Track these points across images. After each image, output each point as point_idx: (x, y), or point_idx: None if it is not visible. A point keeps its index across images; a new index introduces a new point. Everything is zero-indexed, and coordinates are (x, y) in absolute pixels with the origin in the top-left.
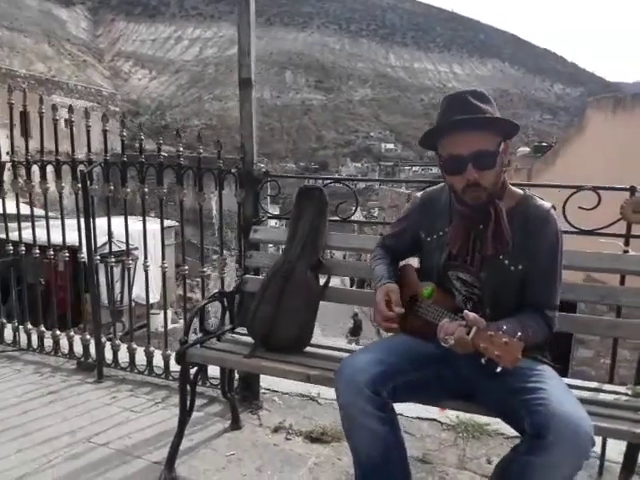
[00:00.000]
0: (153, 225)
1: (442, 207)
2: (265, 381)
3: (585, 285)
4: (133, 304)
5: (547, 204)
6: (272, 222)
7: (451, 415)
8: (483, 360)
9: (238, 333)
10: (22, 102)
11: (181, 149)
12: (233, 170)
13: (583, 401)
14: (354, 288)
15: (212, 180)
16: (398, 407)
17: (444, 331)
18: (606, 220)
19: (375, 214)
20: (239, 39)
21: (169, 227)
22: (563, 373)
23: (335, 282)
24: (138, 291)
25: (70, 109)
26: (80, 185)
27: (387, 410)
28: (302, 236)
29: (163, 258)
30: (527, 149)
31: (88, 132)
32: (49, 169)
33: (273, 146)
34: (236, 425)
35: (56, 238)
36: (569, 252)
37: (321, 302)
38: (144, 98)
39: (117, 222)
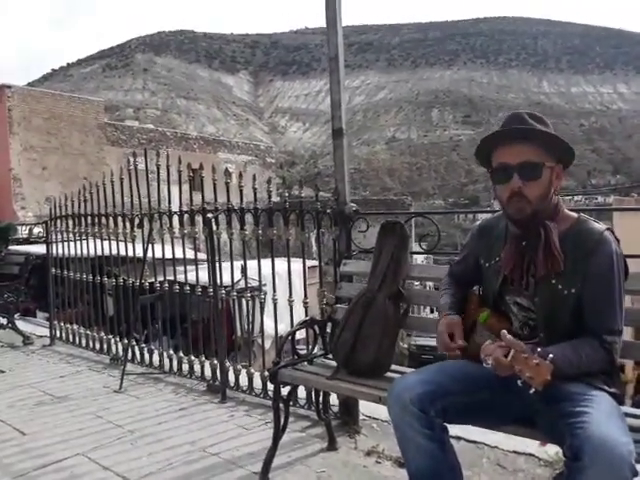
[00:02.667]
0: (297, 265)
1: (499, 233)
2: (366, 408)
3: None
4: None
5: (602, 226)
6: None
7: (551, 451)
8: (519, 382)
9: (328, 358)
10: (191, 162)
11: (323, 193)
12: (328, 210)
13: None
14: None
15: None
16: (495, 439)
17: (484, 352)
18: None
19: None
20: (331, 94)
21: (313, 267)
22: None
23: None
24: (284, 326)
25: (226, 171)
26: (207, 229)
27: (435, 428)
28: (383, 267)
29: (305, 295)
30: None
31: (241, 190)
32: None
33: (421, 184)
34: (332, 446)
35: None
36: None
37: None
38: (299, 148)
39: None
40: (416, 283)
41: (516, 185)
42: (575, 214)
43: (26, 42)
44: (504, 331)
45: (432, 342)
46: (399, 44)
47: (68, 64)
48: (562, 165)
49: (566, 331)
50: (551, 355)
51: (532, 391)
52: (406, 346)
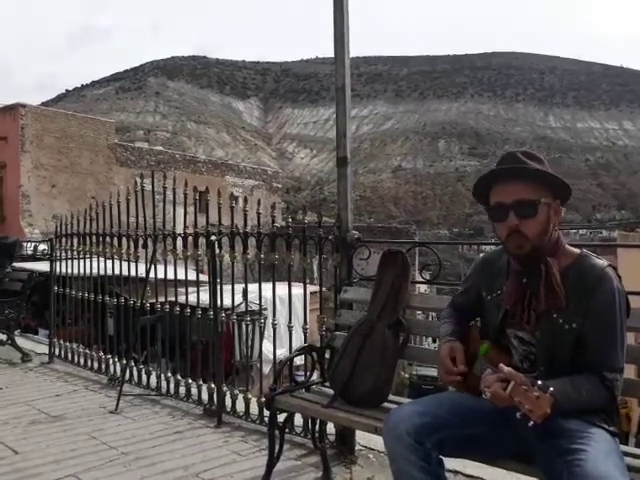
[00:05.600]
0: (299, 290)
1: (501, 267)
2: (363, 438)
3: None
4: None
5: (603, 263)
6: None
7: None
8: (518, 414)
9: (326, 386)
10: (199, 184)
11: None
12: (330, 237)
13: None
14: None
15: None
16: (492, 474)
17: (483, 383)
18: None
19: None
20: (337, 123)
21: (314, 292)
22: None
23: None
24: (285, 351)
25: (231, 196)
26: (210, 252)
27: (431, 461)
28: (383, 296)
29: (305, 321)
30: None
31: (245, 213)
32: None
33: (426, 213)
34: (327, 476)
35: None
36: None
37: None
38: (305, 175)
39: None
40: (418, 313)
41: (513, 223)
42: (577, 250)
43: (42, 63)
44: (502, 364)
45: (433, 372)
46: (407, 75)
47: (82, 85)
48: (560, 201)
49: (566, 366)
50: (551, 388)
51: (531, 424)
52: (407, 376)
